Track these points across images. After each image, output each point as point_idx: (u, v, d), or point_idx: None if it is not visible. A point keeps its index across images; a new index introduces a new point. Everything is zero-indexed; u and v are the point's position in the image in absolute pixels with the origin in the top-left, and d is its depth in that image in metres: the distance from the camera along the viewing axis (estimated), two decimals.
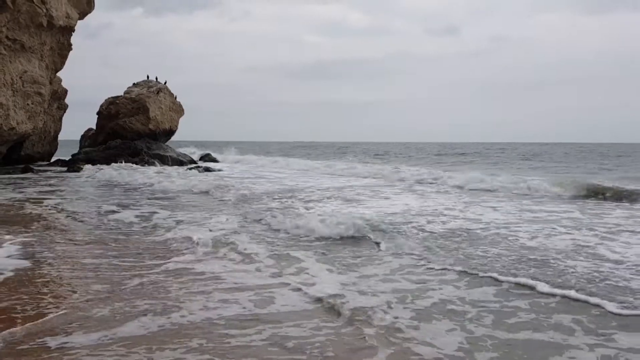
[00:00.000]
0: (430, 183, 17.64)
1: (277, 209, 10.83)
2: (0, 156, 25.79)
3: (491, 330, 4.16)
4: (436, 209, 10.88)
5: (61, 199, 13.54)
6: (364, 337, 3.99)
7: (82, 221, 9.69)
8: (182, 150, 33.22)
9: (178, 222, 9.39)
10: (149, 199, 13.44)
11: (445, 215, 10.09)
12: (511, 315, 4.49)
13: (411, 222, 9.09)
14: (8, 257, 6.60)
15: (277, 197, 13.39)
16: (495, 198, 13.33)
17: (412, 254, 6.72)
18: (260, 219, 9.43)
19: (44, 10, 24.71)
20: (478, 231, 8.32)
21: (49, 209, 11.24)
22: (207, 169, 26.00)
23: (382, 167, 24.92)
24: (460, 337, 4.02)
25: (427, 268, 6.09)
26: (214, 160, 36.85)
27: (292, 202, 12.37)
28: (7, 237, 7.75)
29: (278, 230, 8.40)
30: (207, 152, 38.02)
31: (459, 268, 5.99)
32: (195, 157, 33.37)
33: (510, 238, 7.75)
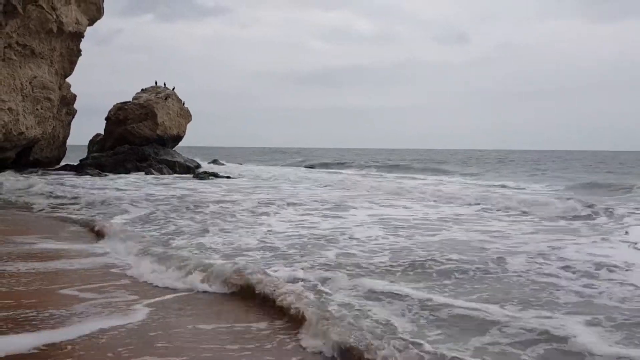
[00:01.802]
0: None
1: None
2: (10, 160, 25.92)
3: None
4: None
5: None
6: None
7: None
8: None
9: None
10: None
11: None
12: None
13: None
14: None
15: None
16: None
17: None
18: None
19: (54, 16, 24.88)
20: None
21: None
22: (215, 175, 26.03)
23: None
24: None
25: None
26: (222, 166, 37.03)
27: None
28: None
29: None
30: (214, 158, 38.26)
31: None
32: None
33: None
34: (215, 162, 38.12)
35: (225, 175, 26.79)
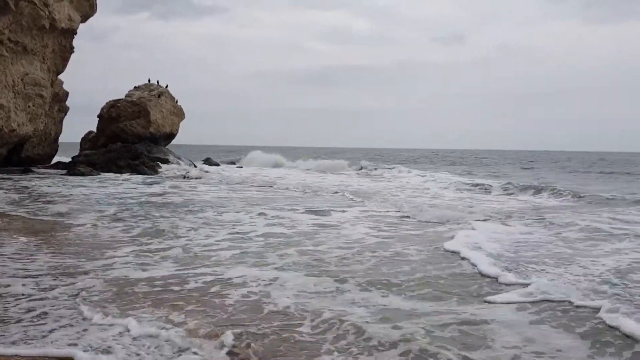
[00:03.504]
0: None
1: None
2: (1, 158, 25.80)
3: None
4: None
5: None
6: None
7: None
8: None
9: None
10: None
11: None
12: None
13: None
14: None
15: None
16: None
17: None
18: None
19: (47, 12, 24.78)
20: None
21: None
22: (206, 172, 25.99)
23: None
24: None
25: None
26: (215, 164, 36.94)
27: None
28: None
29: None
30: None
31: None
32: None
33: None
34: (207, 160, 38.00)
35: (216, 173, 26.82)
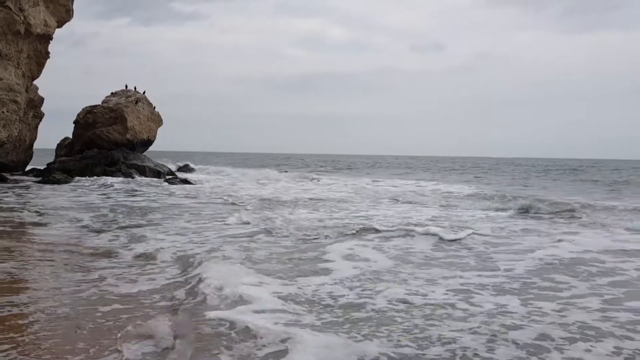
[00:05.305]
0: None
1: None
2: None
3: None
4: None
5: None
6: None
7: None
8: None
9: None
10: None
11: None
12: None
13: None
14: None
15: None
16: None
17: None
18: None
19: (22, 17, 24.50)
20: None
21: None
22: (185, 181, 25.90)
23: None
24: None
25: None
26: (192, 171, 36.79)
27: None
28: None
29: None
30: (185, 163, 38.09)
31: None
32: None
33: None
34: (185, 167, 37.78)
35: (192, 180, 26.71)
